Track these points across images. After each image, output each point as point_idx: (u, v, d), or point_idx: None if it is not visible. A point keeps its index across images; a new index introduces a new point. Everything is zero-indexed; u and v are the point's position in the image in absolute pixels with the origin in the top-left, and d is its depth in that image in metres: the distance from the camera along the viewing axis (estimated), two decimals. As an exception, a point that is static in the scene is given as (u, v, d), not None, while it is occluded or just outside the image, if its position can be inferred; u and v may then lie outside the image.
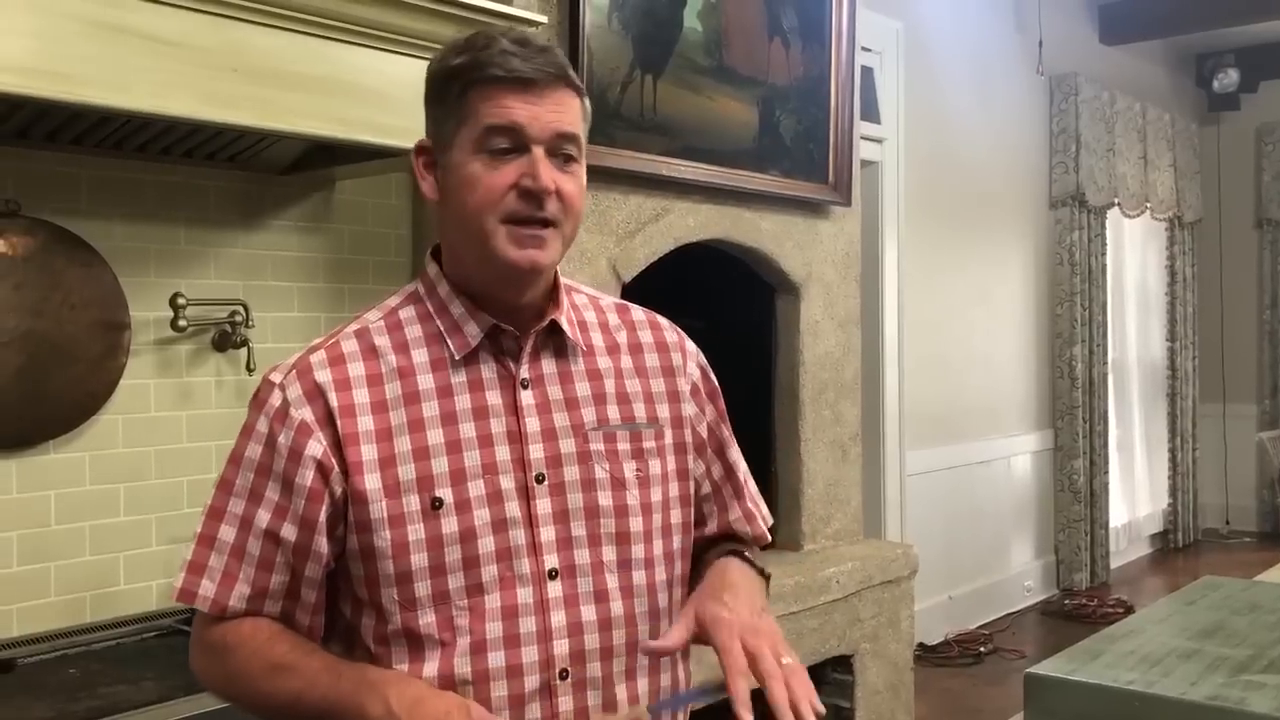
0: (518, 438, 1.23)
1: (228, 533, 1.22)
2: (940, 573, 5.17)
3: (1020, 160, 6.04)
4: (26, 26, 1.65)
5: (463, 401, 1.23)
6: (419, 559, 1.19)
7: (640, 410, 1.32)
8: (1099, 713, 2.21)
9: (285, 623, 1.23)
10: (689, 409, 1.37)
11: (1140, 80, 6.99)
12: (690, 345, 1.42)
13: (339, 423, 1.20)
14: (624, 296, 2.83)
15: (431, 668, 1.19)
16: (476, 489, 1.21)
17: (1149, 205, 6.90)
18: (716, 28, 3.07)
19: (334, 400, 1.21)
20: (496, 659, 1.19)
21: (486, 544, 1.20)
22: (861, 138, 3.75)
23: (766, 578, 1.35)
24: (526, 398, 1.25)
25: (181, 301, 2.34)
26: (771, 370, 3.48)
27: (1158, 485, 7.35)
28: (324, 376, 1.22)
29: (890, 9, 4.85)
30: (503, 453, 1.23)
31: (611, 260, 2.84)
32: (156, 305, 2.35)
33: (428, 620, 1.19)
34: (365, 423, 1.20)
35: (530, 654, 1.20)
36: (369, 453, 1.20)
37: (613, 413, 1.29)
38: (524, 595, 1.21)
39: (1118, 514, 6.81)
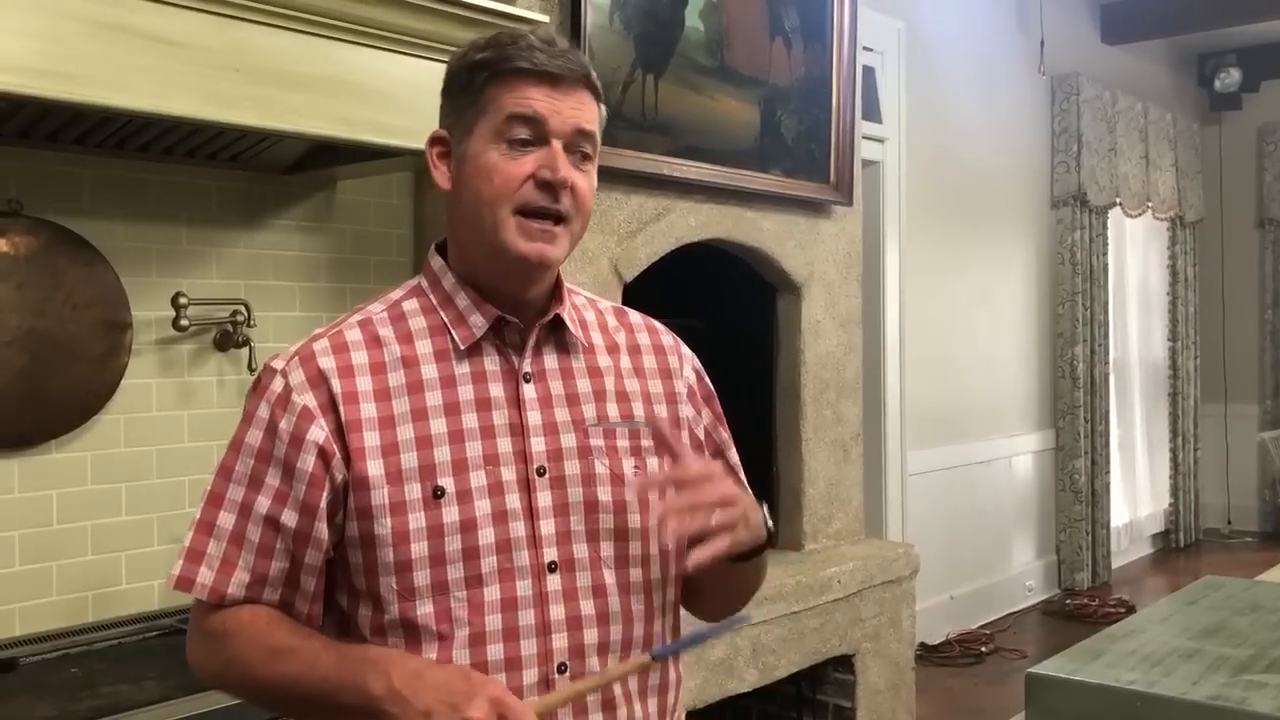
0: (519, 430, 1.24)
1: (227, 519, 1.21)
2: (941, 572, 5.17)
3: (1022, 160, 6.04)
4: (29, 27, 1.65)
5: (465, 393, 1.23)
6: (419, 548, 1.19)
7: (639, 409, 1.32)
8: (1100, 712, 2.21)
9: (284, 611, 1.22)
10: (686, 411, 1.38)
11: (1142, 80, 6.98)
12: (686, 350, 1.43)
13: (342, 409, 1.20)
14: (625, 296, 2.85)
15: (430, 659, 1.18)
16: (478, 479, 1.21)
17: (1150, 205, 6.90)
18: (718, 27, 3.07)
19: (337, 386, 1.21)
20: (495, 651, 1.19)
21: (487, 535, 1.20)
22: (863, 137, 3.75)
23: (772, 534, 1.32)
24: (529, 391, 1.26)
25: (183, 301, 2.35)
26: (773, 370, 3.48)
27: (1159, 485, 7.35)
28: (327, 363, 1.22)
29: (892, 9, 4.85)
30: (504, 445, 1.23)
31: (613, 260, 2.84)
32: (158, 305, 2.35)
33: (425, 611, 1.19)
34: (368, 409, 1.21)
35: (529, 647, 1.21)
36: (372, 439, 1.20)
37: (612, 410, 1.30)
38: (523, 588, 1.21)
39: (1119, 514, 6.81)
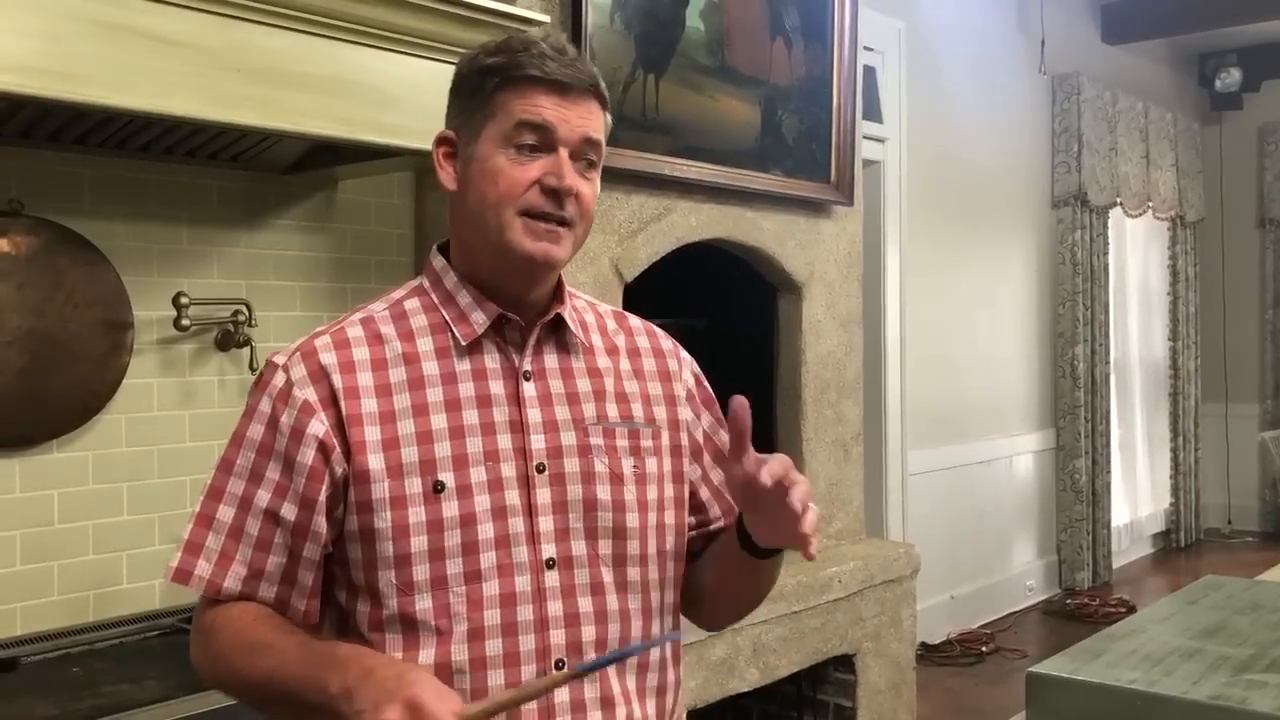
0: (519, 427, 1.25)
1: (226, 513, 1.22)
2: (942, 572, 5.17)
3: (1022, 160, 6.04)
4: (30, 27, 1.65)
5: (466, 389, 1.24)
6: (419, 542, 1.19)
7: (638, 410, 1.33)
8: (1101, 712, 2.21)
9: (280, 607, 1.23)
10: (685, 413, 1.38)
11: (1142, 80, 6.98)
12: (685, 354, 1.43)
13: (343, 404, 1.21)
14: (626, 296, 2.86)
15: (428, 654, 1.19)
16: (478, 475, 1.22)
17: (1151, 205, 6.90)
18: (718, 27, 3.08)
19: (338, 382, 1.22)
20: (494, 646, 1.20)
21: (486, 530, 1.21)
22: (864, 137, 3.75)
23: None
24: (529, 389, 1.26)
25: (184, 301, 2.35)
26: (773, 370, 3.48)
27: (1160, 485, 7.35)
28: (329, 359, 1.23)
29: (892, 8, 4.85)
30: (504, 441, 1.24)
31: (614, 260, 2.84)
32: (159, 305, 2.35)
33: (424, 606, 1.19)
34: (369, 404, 1.21)
35: (527, 642, 1.21)
36: (372, 433, 1.20)
37: (612, 410, 1.31)
38: (521, 583, 1.22)
39: (1120, 513, 6.81)
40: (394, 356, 1.24)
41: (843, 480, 3.59)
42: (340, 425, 1.20)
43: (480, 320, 1.26)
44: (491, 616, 1.20)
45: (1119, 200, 6.53)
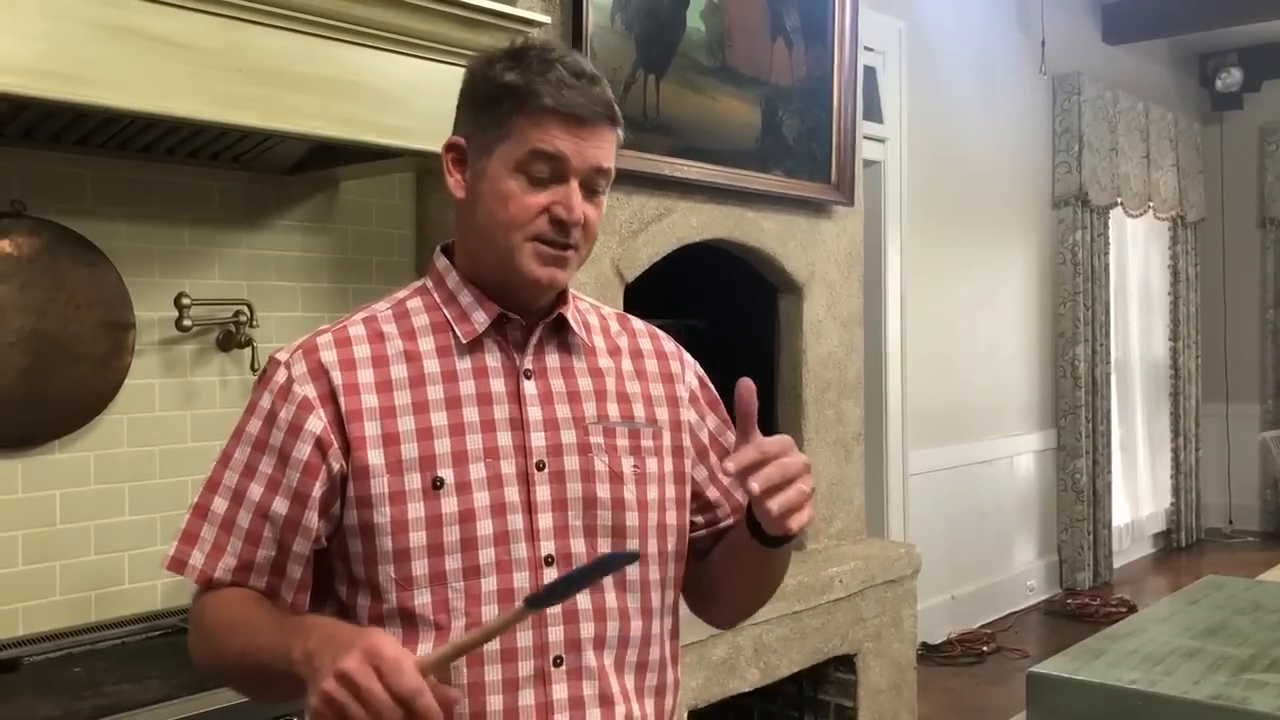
0: (520, 425, 1.25)
1: (220, 505, 1.24)
2: (943, 572, 5.17)
3: (1023, 160, 6.04)
4: (32, 28, 1.65)
5: (467, 387, 1.25)
6: (417, 537, 1.20)
7: (640, 410, 1.33)
8: (1101, 712, 2.21)
9: (270, 598, 1.24)
10: (688, 415, 1.38)
11: (1143, 80, 6.98)
12: (688, 356, 1.44)
13: (342, 400, 1.22)
14: (626, 296, 2.86)
15: (426, 648, 1.19)
16: (478, 471, 1.22)
17: (1152, 205, 6.90)
18: (719, 28, 3.08)
19: (338, 379, 1.23)
20: (491, 642, 1.19)
21: (485, 526, 1.21)
22: (864, 137, 3.76)
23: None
24: (529, 387, 1.27)
25: (186, 301, 2.35)
26: (774, 370, 3.49)
27: (1160, 485, 7.35)
28: (329, 356, 1.24)
29: (893, 9, 4.85)
30: (504, 438, 1.24)
31: (615, 260, 2.84)
32: (161, 305, 2.36)
33: (423, 601, 1.20)
34: (369, 400, 1.22)
35: (525, 639, 1.21)
36: (372, 429, 1.21)
37: (613, 410, 1.31)
38: (520, 580, 1.22)
39: (1120, 513, 6.81)
40: (395, 354, 1.25)
41: (843, 480, 3.59)
42: (339, 421, 1.21)
43: (481, 319, 1.27)
44: (489, 612, 1.20)
45: (1120, 200, 6.53)
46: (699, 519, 1.39)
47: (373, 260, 2.72)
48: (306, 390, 1.22)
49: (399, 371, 1.24)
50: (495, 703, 1.20)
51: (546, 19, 2.33)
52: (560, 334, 1.31)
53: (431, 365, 1.25)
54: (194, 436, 2.42)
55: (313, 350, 1.25)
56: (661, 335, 1.43)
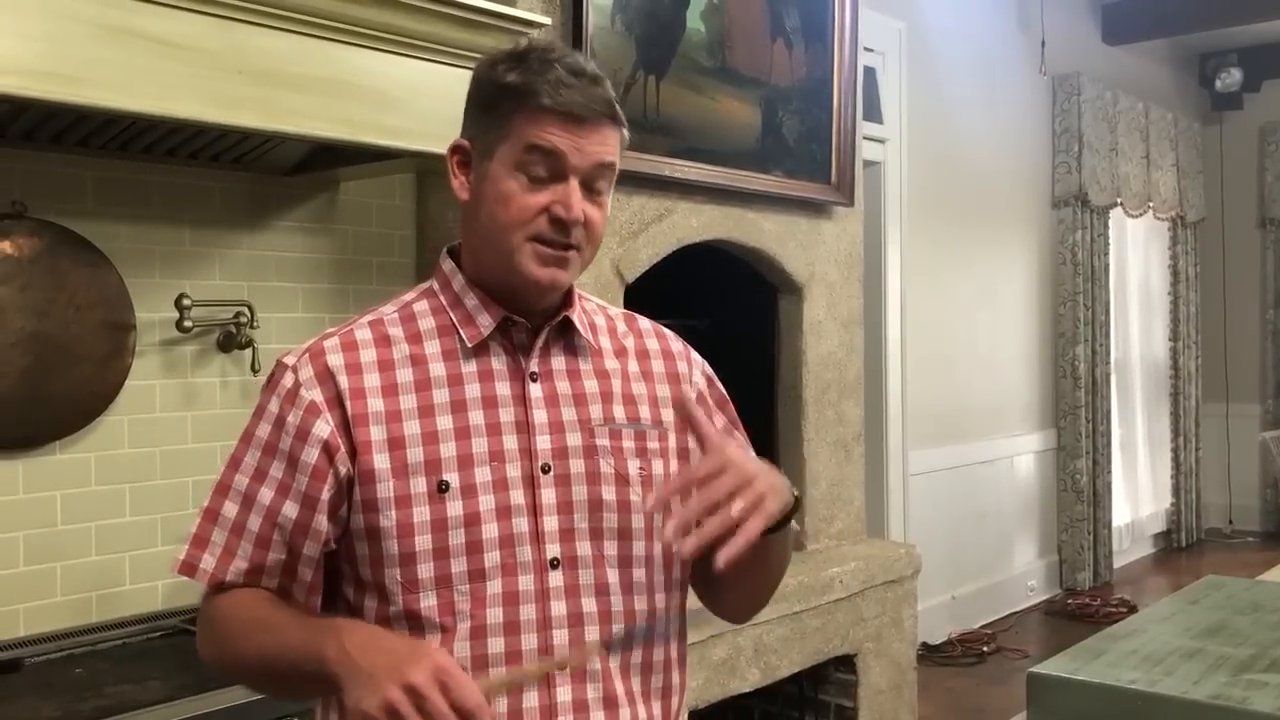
0: (525, 428, 1.25)
1: (230, 509, 1.25)
2: (943, 572, 5.17)
3: (1023, 160, 6.04)
4: (32, 29, 1.66)
5: (472, 390, 1.25)
6: (423, 541, 1.21)
7: (645, 412, 1.33)
8: (1101, 712, 2.22)
9: (281, 598, 1.24)
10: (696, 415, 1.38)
11: (1143, 80, 6.99)
12: (695, 355, 1.44)
13: (348, 404, 1.22)
14: (627, 297, 2.86)
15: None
16: (483, 475, 1.23)
17: (1152, 205, 6.90)
18: (719, 29, 3.08)
19: (344, 383, 1.23)
20: (496, 645, 1.21)
21: (490, 530, 1.22)
22: (864, 138, 3.76)
23: (797, 498, 1.27)
24: (535, 390, 1.27)
25: (186, 302, 2.35)
26: (774, 370, 3.49)
27: (1160, 485, 7.35)
28: (336, 360, 1.25)
29: (893, 9, 4.85)
30: (510, 441, 1.24)
31: (615, 261, 2.84)
32: (162, 306, 2.36)
33: (429, 603, 1.21)
34: (375, 404, 1.23)
35: (530, 641, 1.22)
36: (378, 433, 1.22)
37: (619, 412, 1.31)
38: (525, 583, 1.22)
39: (1120, 514, 6.81)
40: (401, 358, 1.26)
41: (844, 480, 3.60)
42: (345, 425, 1.22)
43: (486, 323, 1.27)
44: (495, 615, 1.21)
45: (1119, 200, 6.53)
46: None
47: (373, 261, 2.72)
48: (313, 395, 1.23)
49: (405, 375, 1.25)
50: (500, 705, 1.20)
51: (547, 20, 2.34)
52: (566, 336, 1.31)
53: (437, 369, 1.25)
54: (195, 437, 2.42)
55: (319, 354, 1.25)
56: (669, 334, 1.43)
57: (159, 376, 2.38)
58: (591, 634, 1.24)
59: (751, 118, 3.20)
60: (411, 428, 1.22)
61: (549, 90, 1.21)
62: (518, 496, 1.23)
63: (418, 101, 2.09)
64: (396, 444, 1.22)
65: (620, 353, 1.36)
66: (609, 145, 1.26)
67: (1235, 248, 7.67)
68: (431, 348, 1.27)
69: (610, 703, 1.25)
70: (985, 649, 5.12)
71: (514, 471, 1.24)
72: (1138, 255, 7.16)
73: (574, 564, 1.25)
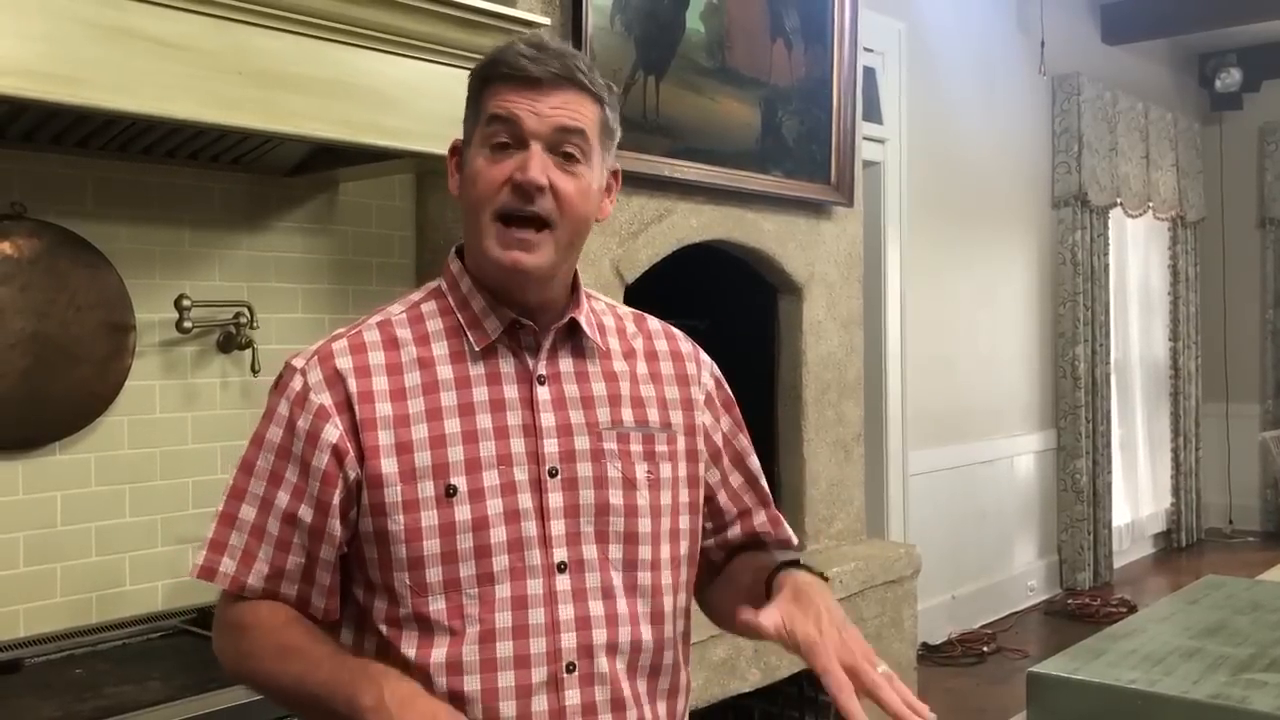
0: (533, 431, 1.25)
1: (248, 512, 1.24)
2: (943, 572, 5.17)
3: (1023, 160, 6.04)
4: (32, 30, 1.66)
5: (480, 394, 1.25)
6: (431, 545, 1.21)
7: (654, 415, 1.33)
8: (1101, 711, 2.21)
9: (301, 604, 1.25)
10: (703, 418, 1.38)
11: (1143, 80, 6.99)
12: (705, 357, 1.43)
13: (357, 408, 1.22)
14: (627, 297, 2.86)
15: (440, 654, 1.20)
16: (490, 479, 1.22)
17: (1151, 205, 6.90)
18: (719, 29, 3.08)
19: (353, 386, 1.23)
20: (505, 648, 1.21)
21: (498, 534, 1.22)
22: (864, 138, 3.76)
23: (827, 580, 1.32)
24: (543, 393, 1.27)
25: (186, 303, 2.35)
26: (774, 370, 3.49)
27: (1160, 485, 7.35)
28: (345, 363, 1.24)
29: (892, 10, 4.85)
30: (517, 445, 1.24)
31: (614, 261, 2.84)
32: (161, 307, 2.36)
33: (438, 607, 1.21)
34: (384, 408, 1.23)
35: (538, 645, 1.22)
36: (386, 438, 1.22)
37: (627, 415, 1.31)
38: (533, 586, 1.22)
39: (1120, 514, 6.81)
40: (409, 361, 1.25)
41: (844, 481, 3.60)
42: (354, 429, 1.22)
43: (494, 326, 1.27)
44: (503, 619, 1.21)
45: (1119, 200, 6.53)
46: (708, 525, 1.40)
47: (373, 262, 2.72)
48: (323, 398, 1.23)
49: (412, 379, 1.24)
50: (508, 709, 1.20)
51: (546, 20, 2.34)
52: (574, 337, 1.31)
53: (445, 371, 1.25)
54: (195, 438, 2.42)
55: (328, 357, 1.25)
56: (678, 335, 1.43)
57: (159, 377, 2.38)
58: (599, 637, 1.24)
59: (751, 118, 3.20)
60: (419, 431, 1.22)
61: (506, 61, 1.23)
62: (525, 500, 1.23)
63: (417, 102, 2.09)
64: (404, 448, 1.21)
65: (629, 354, 1.35)
66: (572, 108, 1.23)
67: (1235, 248, 7.67)
68: (439, 349, 1.26)
69: (618, 705, 1.25)
70: (985, 649, 5.12)
71: (521, 475, 1.24)
72: (1137, 255, 7.16)
73: (580, 567, 1.25)
